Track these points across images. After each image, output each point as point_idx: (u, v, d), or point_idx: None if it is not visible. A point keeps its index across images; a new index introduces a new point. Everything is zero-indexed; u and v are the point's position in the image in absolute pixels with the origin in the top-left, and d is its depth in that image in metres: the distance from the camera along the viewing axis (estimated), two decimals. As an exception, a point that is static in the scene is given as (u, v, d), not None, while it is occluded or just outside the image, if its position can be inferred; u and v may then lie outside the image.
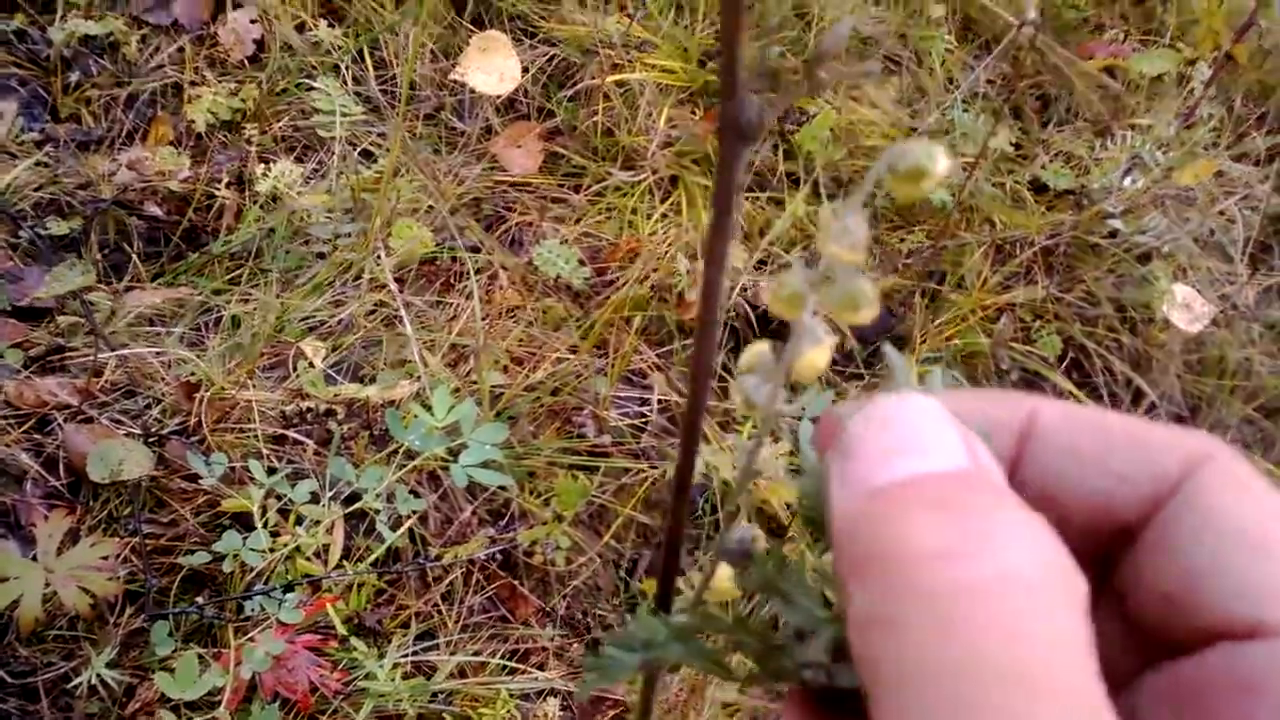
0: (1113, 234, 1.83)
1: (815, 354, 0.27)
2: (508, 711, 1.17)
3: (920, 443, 0.24)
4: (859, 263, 0.25)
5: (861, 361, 1.74)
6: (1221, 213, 1.99)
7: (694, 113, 1.86)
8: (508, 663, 1.27)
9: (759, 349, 0.30)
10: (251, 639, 1.14)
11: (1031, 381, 1.77)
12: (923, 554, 0.20)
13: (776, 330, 1.73)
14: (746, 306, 1.69)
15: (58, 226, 1.55)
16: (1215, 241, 1.98)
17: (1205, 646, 0.23)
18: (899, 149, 0.25)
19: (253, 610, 1.20)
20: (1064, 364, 1.79)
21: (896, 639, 0.20)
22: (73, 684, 1.13)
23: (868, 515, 0.22)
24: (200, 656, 1.11)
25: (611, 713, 1.27)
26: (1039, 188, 1.96)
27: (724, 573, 0.38)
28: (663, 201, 1.78)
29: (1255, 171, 2.07)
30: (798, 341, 0.27)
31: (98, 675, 1.12)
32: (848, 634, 0.22)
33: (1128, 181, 1.74)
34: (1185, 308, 1.80)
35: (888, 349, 0.32)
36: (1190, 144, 1.85)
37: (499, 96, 1.81)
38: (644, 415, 1.56)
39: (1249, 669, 0.22)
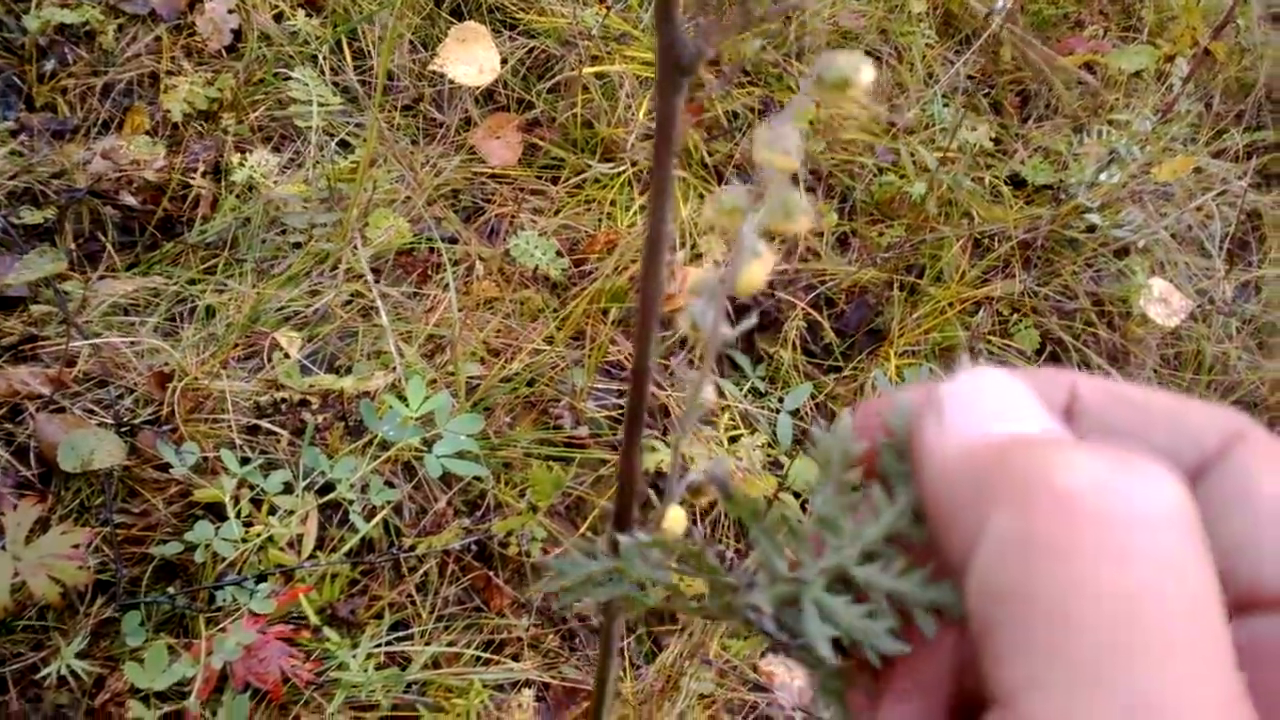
0: (1090, 229, 1.84)
1: (755, 268, 0.27)
2: (481, 702, 1.17)
3: (1016, 409, 0.24)
4: (792, 169, 0.26)
5: (840, 355, 1.74)
6: (1199, 209, 2.01)
7: (674, 105, 1.86)
8: (482, 654, 1.27)
9: (702, 272, 0.30)
10: (223, 629, 1.14)
11: (1009, 375, 1.78)
12: (1092, 484, 0.20)
13: (756, 323, 1.74)
14: (725, 299, 1.69)
15: (31, 216, 1.54)
16: (1193, 237, 1.99)
17: (1241, 616, 0.23)
18: (826, 59, 0.26)
19: (224, 600, 1.19)
20: (1041, 357, 1.79)
21: (1064, 564, 0.20)
22: (41, 674, 1.12)
23: (1010, 449, 0.22)
24: (170, 647, 1.11)
25: (585, 703, 1.27)
26: (1018, 183, 1.96)
27: (674, 512, 0.40)
28: (641, 194, 1.77)
29: (1233, 168, 2.08)
30: (737, 256, 0.27)
31: (67, 666, 1.11)
32: (977, 562, 0.21)
33: (1105, 176, 1.74)
34: (1163, 302, 1.80)
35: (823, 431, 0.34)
36: (1167, 139, 1.86)
37: (478, 88, 1.81)
38: (621, 407, 1.55)
39: None
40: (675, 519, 0.40)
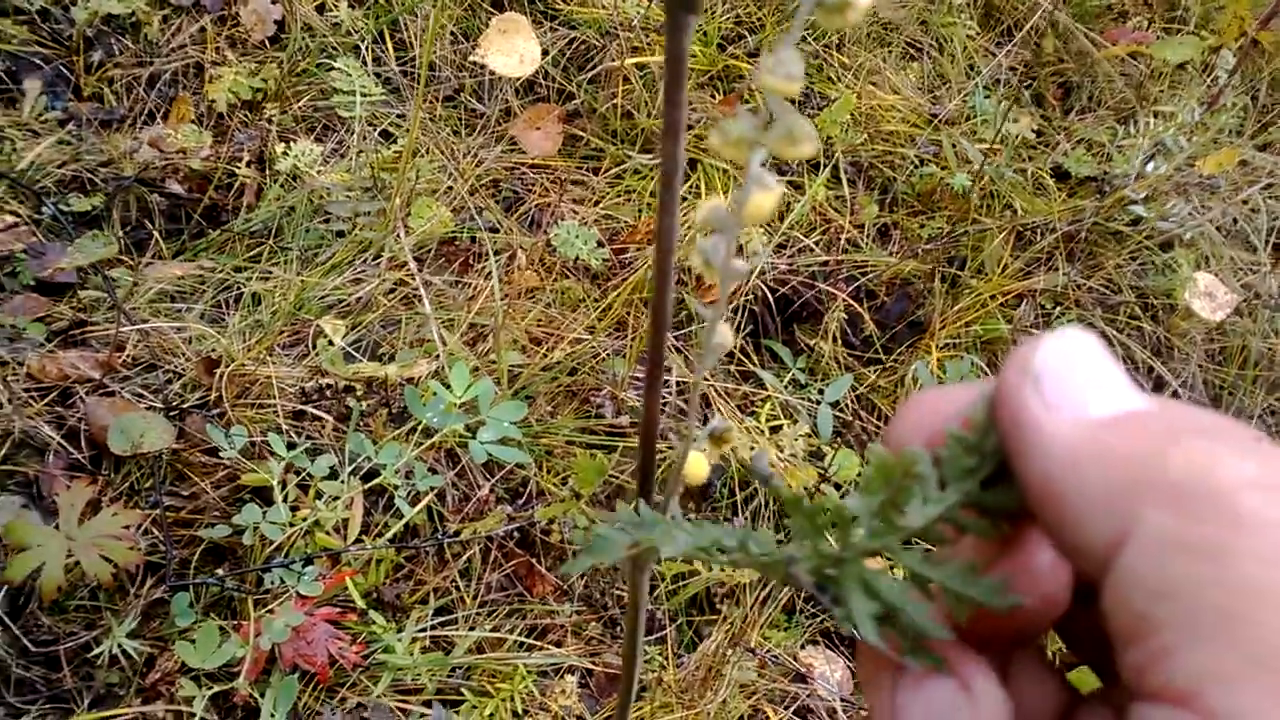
0: (1135, 221, 1.82)
1: (763, 198, 0.27)
2: (525, 687, 1.17)
3: (1109, 377, 0.24)
4: (794, 94, 0.26)
5: (880, 347, 1.73)
6: (1245, 201, 1.98)
7: (713, 96, 1.85)
8: (525, 639, 1.27)
9: (711, 203, 0.30)
10: (271, 611, 1.15)
11: (1051, 368, 1.76)
12: (1249, 485, 0.20)
13: (795, 314, 1.73)
14: (765, 290, 1.69)
15: (80, 203, 1.56)
16: (1239, 230, 1.96)
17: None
18: None
19: (272, 583, 1.20)
20: (1084, 351, 1.77)
21: (1233, 567, 0.20)
22: (94, 653, 1.13)
23: (1154, 441, 0.22)
24: (220, 628, 1.12)
25: (628, 690, 1.27)
26: (1060, 174, 1.94)
27: (695, 458, 0.40)
28: (684, 185, 1.77)
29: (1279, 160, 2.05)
30: (746, 187, 0.27)
31: (119, 645, 1.12)
32: (1128, 560, 0.21)
33: (1150, 167, 1.72)
34: (1208, 296, 1.78)
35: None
36: (1213, 130, 1.83)
37: (518, 79, 1.81)
38: (661, 396, 1.55)
39: None
40: (697, 465, 0.40)
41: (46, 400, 1.32)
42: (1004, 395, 0.25)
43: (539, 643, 1.27)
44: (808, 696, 1.37)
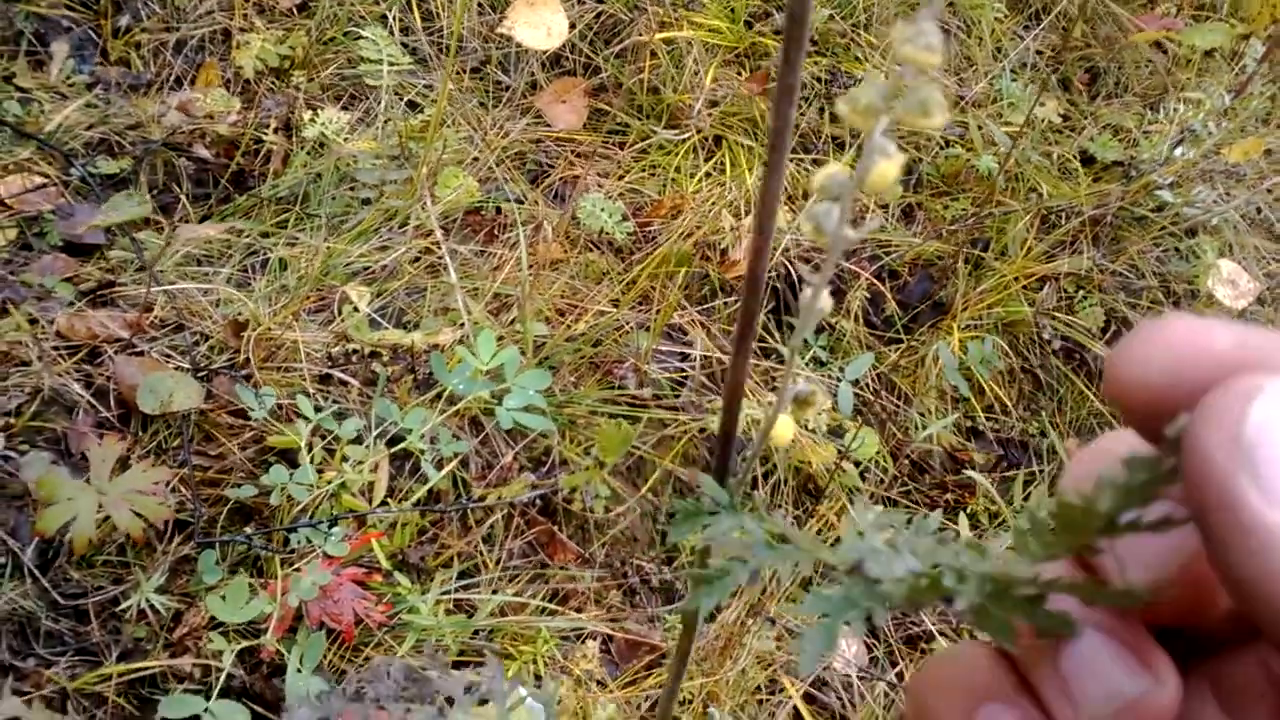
0: (1160, 207, 1.82)
1: (886, 167, 0.28)
2: (548, 650, 1.18)
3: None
4: (933, 65, 0.26)
5: (902, 327, 1.73)
6: (1270, 190, 1.97)
7: (740, 73, 1.85)
8: (547, 604, 1.28)
9: (831, 169, 0.30)
10: (298, 569, 1.16)
11: (1073, 351, 1.76)
12: None
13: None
14: (789, 267, 1.68)
15: (108, 165, 1.56)
16: (1262, 219, 1.96)
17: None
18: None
19: (298, 543, 1.21)
20: (1106, 335, 1.77)
21: None
22: (122, 607, 1.14)
23: None
24: (249, 584, 1.13)
25: (648, 658, 1.28)
26: (1086, 159, 1.94)
27: (783, 421, 0.40)
28: (706, 160, 1.77)
29: (1305, 150, 2.04)
30: (869, 155, 0.27)
31: (146, 600, 1.13)
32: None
33: (1178, 153, 1.72)
34: (1230, 284, 1.78)
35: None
36: (1242, 117, 1.82)
37: (545, 51, 1.81)
38: (684, 370, 1.56)
39: None
40: (784, 429, 0.40)
41: (75, 359, 1.33)
42: (1208, 473, 0.21)
43: (560, 608, 1.28)
44: (824, 669, 1.37)
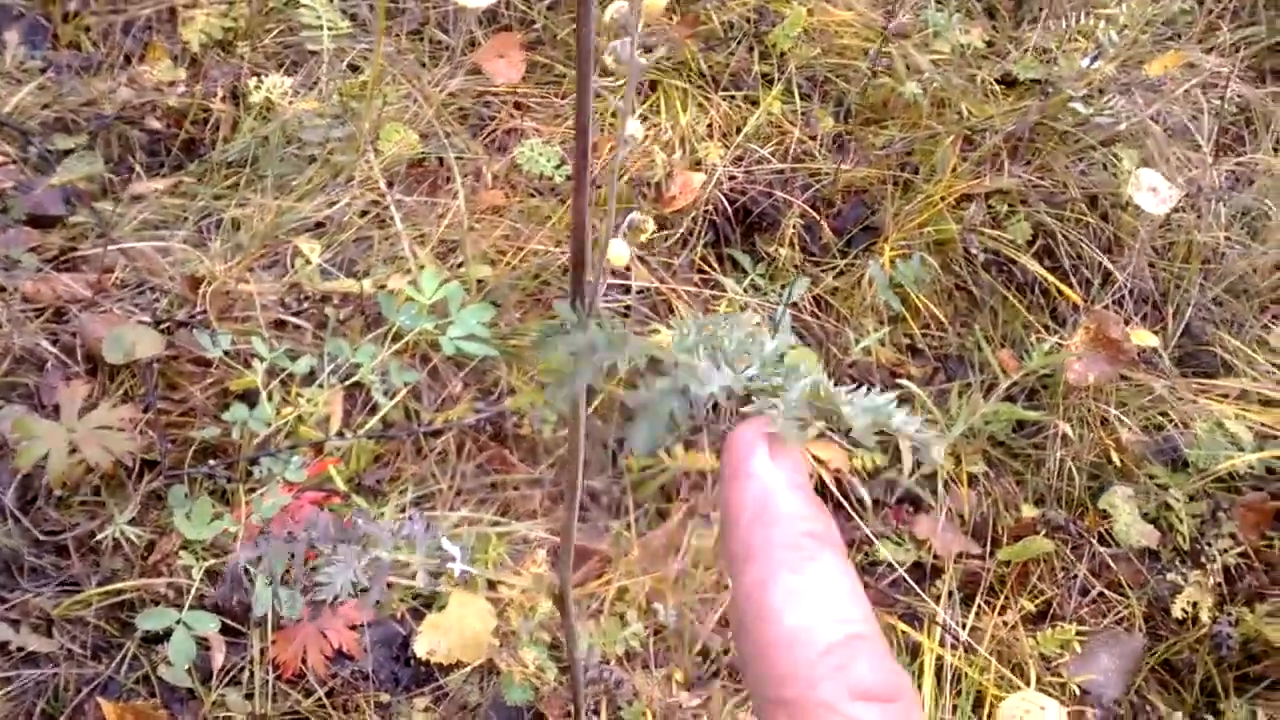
0: (1083, 122, 1.89)
1: None
2: (499, 554, 1.27)
3: None
4: None
5: (837, 252, 1.81)
6: (1191, 101, 2.04)
7: (671, 18, 1.92)
8: (500, 519, 1.36)
9: (615, 5, 0.38)
10: (262, 495, 1.24)
11: (1003, 266, 1.84)
12: None
13: (754, 224, 1.80)
14: (724, 201, 1.76)
15: (64, 142, 1.63)
16: (1184, 129, 2.03)
17: None
18: None
19: (260, 475, 1.29)
20: (1034, 249, 1.85)
21: None
22: (98, 538, 1.23)
23: None
24: (212, 506, 1.21)
25: (595, 563, 1.37)
26: (1009, 83, 2.01)
27: (617, 246, 0.48)
28: (642, 104, 1.84)
29: (1224, 63, 2.11)
30: None
31: (120, 531, 1.22)
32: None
33: (1093, 65, 1.79)
34: (1152, 191, 1.85)
35: None
36: (1155, 30, 1.89)
37: (481, 9, 1.87)
38: (625, 302, 1.64)
39: None
40: (619, 254, 0.48)
41: (42, 319, 1.40)
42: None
43: (513, 523, 1.37)
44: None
